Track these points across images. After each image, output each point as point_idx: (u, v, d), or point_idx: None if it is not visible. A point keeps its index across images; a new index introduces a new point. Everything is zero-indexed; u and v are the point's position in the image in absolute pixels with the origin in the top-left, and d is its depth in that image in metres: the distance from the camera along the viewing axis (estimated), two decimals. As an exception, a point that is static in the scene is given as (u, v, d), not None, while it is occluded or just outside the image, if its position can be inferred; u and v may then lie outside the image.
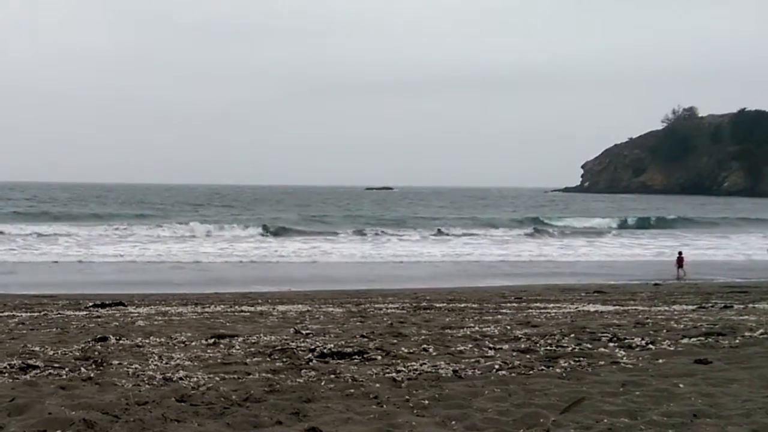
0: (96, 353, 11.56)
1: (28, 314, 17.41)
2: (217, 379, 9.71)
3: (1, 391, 9.01)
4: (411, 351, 11.65)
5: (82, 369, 10.36)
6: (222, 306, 19.36)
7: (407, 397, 8.80)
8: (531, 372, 10.19)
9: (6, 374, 10.03)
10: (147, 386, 9.33)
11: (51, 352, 11.71)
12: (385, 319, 16.11)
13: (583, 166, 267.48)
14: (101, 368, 10.43)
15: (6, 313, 17.55)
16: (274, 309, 18.43)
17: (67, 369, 10.35)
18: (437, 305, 19.42)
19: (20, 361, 10.70)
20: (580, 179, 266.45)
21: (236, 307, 19.14)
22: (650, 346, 12.08)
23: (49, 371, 10.21)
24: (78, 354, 11.56)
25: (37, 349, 12.00)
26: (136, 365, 10.58)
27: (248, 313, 17.44)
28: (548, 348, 11.95)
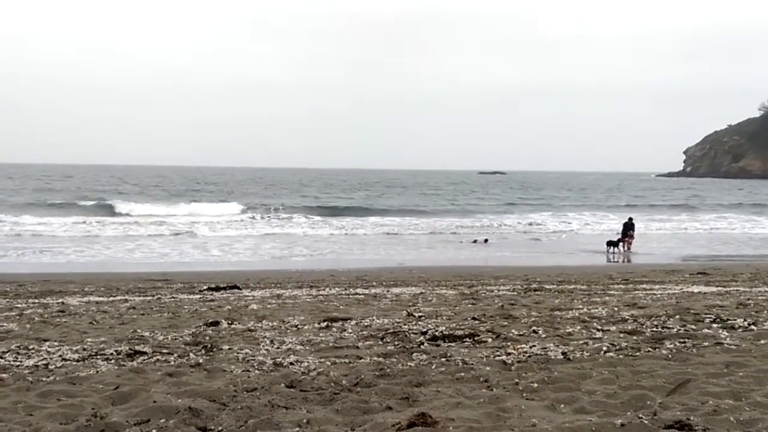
0: (206, 338, 11.16)
1: (141, 298, 16.94)
2: (328, 363, 9.37)
3: (106, 379, 8.68)
4: (521, 333, 11.26)
5: (191, 355, 9.95)
6: (337, 289, 18.97)
7: (517, 380, 8.44)
8: (638, 354, 9.76)
9: (112, 361, 9.63)
10: (257, 372, 8.98)
11: (160, 338, 11.29)
12: (496, 301, 15.69)
13: (685, 152, 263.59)
14: (211, 354, 10.03)
15: (119, 297, 17.13)
16: (388, 291, 18.07)
17: (175, 355, 9.95)
18: (547, 287, 18.97)
19: (128, 347, 10.33)
20: (683, 164, 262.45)
21: (351, 289, 18.76)
22: (752, 326, 11.59)
23: (157, 357, 9.81)
24: (188, 339, 11.14)
25: (146, 334, 11.60)
26: (247, 350, 10.20)
27: (362, 296, 17.05)
28: (654, 329, 11.47)
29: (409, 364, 9.31)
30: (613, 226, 53.12)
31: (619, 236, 38.93)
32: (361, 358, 9.65)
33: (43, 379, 8.68)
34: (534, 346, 10.23)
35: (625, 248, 37.87)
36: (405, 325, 12.12)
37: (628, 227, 39.14)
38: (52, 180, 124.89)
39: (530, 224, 57.61)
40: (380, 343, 10.73)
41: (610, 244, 38.10)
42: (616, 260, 34.94)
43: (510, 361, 9.31)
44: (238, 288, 18.96)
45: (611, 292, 17.65)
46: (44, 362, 9.52)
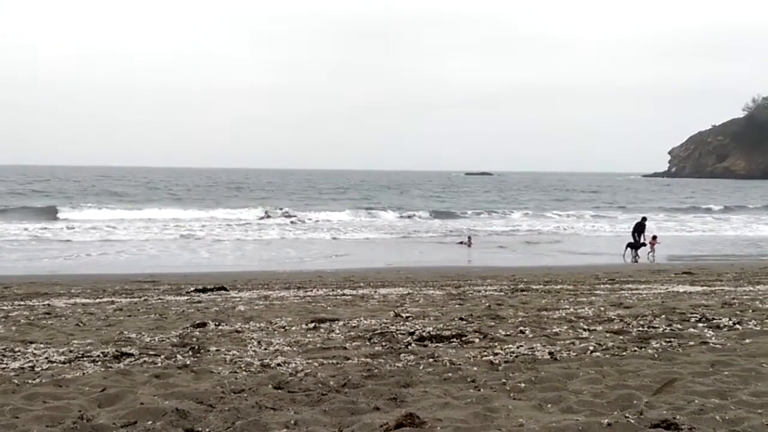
0: (193, 340, 11.09)
1: (128, 300, 16.83)
2: (316, 364, 9.32)
3: (92, 381, 8.60)
4: (508, 333, 11.26)
5: (178, 356, 9.88)
6: (324, 290, 18.92)
7: (504, 380, 8.43)
8: (624, 353, 9.77)
9: (99, 363, 9.54)
10: (244, 373, 8.93)
11: (147, 339, 11.21)
12: (483, 301, 15.66)
13: (670, 152, 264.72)
14: (198, 355, 9.97)
15: (105, 299, 17.02)
16: (375, 292, 18.04)
17: (162, 356, 9.88)
18: (534, 287, 18.99)
19: (115, 349, 10.25)
20: (668, 164, 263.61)
21: (338, 290, 18.71)
22: (737, 326, 11.65)
23: (144, 359, 9.73)
24: (175, 341, 11.07)
25: (133, 336, 11.53)
26: (234, 351, 10.15)
27: (350, 297, 17.01)
28: (640, 329, 11.50)
29: (396, 364, 9.28)
30: (598, 226, 53.24)
31: (632, 238, 37.20)
32: (348, 359, 9.61)
33: (29, 381, 8.61)
34: (521, 346, 10.22)
35: (649, 251, 36.19)
36: (392, 325, 12.10)
37: (640, 228, 37.37)
38: (32, 181, 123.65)
39: (515, 225, 57.78)
40: (368, 343, 10.70)
41: (630, 246, 36.51)
42: (636, 261, 34.38)
43: (497, 361, 9.30)
44: (226, 289, 18.89)
45: (597, 292, 17.68)
46: (30, 364, 9.44)
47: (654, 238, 37.10)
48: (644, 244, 36.51)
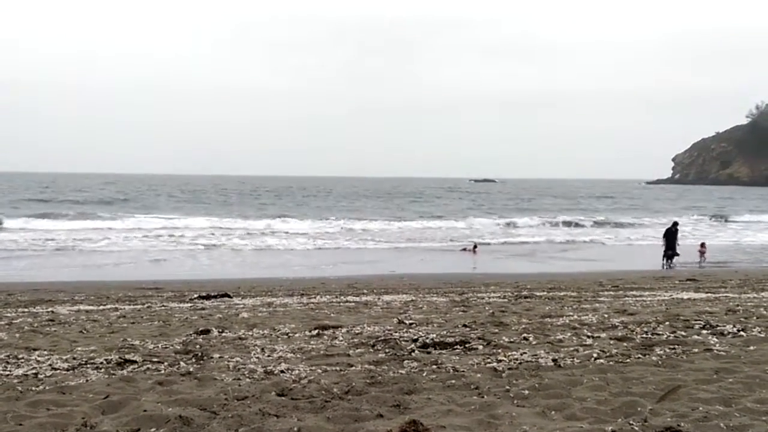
0: (197, 347, 11.04)
1: (131, 307, 16.80)
2: (319, 371, 9.29)
3: (96, 388, 8.57)
4: (512, 340, 11.21)
5: (182, 363, 9.83)
6: (327, 297, 18.88)
7: (508, 387, 8.39)
8: (628, 360, 9.71)
9: (102, 370, 9.51)
10: (247, 380, 8.89)
11: (151, 346, 11.17)
12: (486, 308, 15.62)
13: (673, 159, 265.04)
14: (201, 362, 9.92)
15: (109, 306, 17.01)
16: (378, 299, 18.01)
17: (166, 363, 9.83)
18: (537, 294, 18.96)
19: (118, 356, 10.22)
20: (671, 171, 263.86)
21: (342, 297, 18.69)
22: (741, 333, 11.58)
23: (147, 366, 9.69)
24: (178, 348, 11.02)
25: (136, 342, 11.50)
26: (238, 358, 10.11)
27: (353, 304, 16.94)
28: (644, 336, 11.43)
29: (400, 371, 9.24)
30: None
31: (664, 245, 36.19)
32: (352, 366, 9.58)
33: (33, 388, 8.59)
34: (525, 353, 10.17)
35: (700, 259, 35.90)
36: (396, 332, 12.06)
37: (672, 234, 36.06)
38: (32, 187, 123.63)
39: (519, 234, 57.69)
40: (371, 350, 10.66)
41: (666, 255, 35.60)
42: (670, 267, 34.11)
43: (501, 368, 9.26)
44: (229, 296, 18.85)
45: (601, 299, 17.63)
46: (34, 371, 9.42)
47: (702, 245, 37.06)
48: (678, 254, 35.59)
